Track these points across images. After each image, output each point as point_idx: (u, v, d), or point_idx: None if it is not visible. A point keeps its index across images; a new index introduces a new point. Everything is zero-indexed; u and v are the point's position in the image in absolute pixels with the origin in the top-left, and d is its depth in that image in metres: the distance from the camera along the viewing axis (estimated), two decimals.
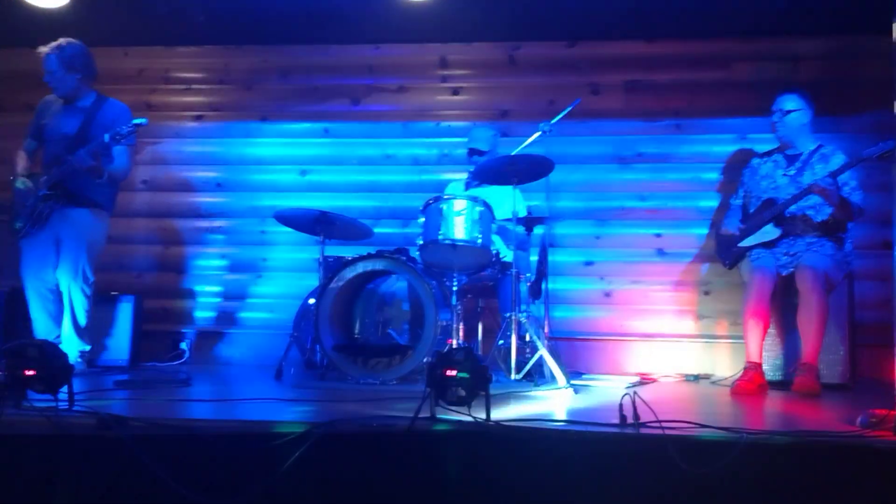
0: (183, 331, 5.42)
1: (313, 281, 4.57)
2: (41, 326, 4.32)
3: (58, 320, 4.32)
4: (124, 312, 5.01)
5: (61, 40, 4.26)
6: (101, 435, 2.34)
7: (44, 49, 4.23)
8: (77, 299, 4.26)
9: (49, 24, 5.02)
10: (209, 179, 5.57)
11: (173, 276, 5.53)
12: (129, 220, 5.53)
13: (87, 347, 4.33)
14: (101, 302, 4.99)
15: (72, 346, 4.22)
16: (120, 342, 4.96)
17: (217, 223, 5.55)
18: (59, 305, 4.32)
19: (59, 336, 4.27)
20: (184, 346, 5.34)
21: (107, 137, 3.95)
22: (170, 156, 5.61)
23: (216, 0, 4.89)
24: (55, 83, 4.28)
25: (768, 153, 4.44)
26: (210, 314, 5.50)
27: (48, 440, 2.37)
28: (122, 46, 5.61)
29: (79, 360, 4.23)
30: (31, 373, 2.55)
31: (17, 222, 4.26)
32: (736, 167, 4.85)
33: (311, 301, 4.46)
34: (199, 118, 5.64)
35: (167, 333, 5.40)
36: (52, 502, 2.34)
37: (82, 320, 4.29)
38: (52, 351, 2.63)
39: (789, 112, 4.26)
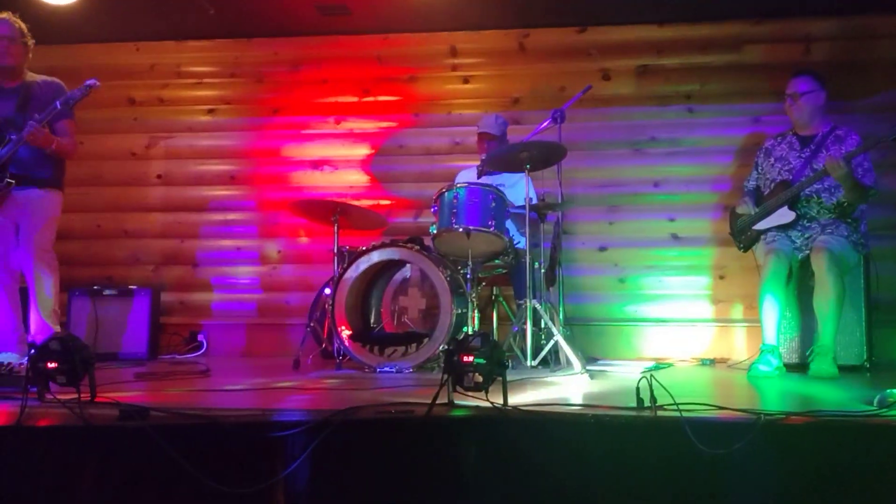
0: (200, 323, 5.46)
1: (328, 271, 4.60)
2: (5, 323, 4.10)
3: (16, 313, 4.16)
4: (141, 306, 5.07)
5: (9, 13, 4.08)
6: (123, 425, 2.37)
7: (4, 14, 4.06)
8: (40, 275, 4.04)
9: (59, 20, 5.06)
10: (222, 172, 5.60)
11: (189, 269, 5.57)
12: (144, 214, 5.59)
13: (56, 328, 4.08)
14: (118, 296, 5.07)
15: (40, 333, 3.98)
16: (137, 335, 5.02)
17: (231, 216, 5.58)
18: (16, 299, 4.17)
19: (19, 333, 4.12)
20: (201, 337, 5.38)
21: (58, 104, 3.83)
22: (183, 150, 5.64)
23: None
24: (10, 52, 4.03)
25: (782, 135, 4.41)
26: (226, 306, 5.53)
27: (71, 431, 2.40)
28: (134, 41, 5.65)
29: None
30: (53, 365, 2.58)
31: None
32: (749, 150, 4.83)
33: (327, 291, 4.48)
34: (211, 112, 5.67)
35: (184, 326, 5.45)
36: (76, 492, 2.37)
37: (48, 296, 4.05)
38: (73, 344, 2.65)
39: (803, 94, 4.22)
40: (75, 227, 5.56)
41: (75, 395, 2.54)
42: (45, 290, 4.05)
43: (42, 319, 4.03)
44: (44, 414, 2.48)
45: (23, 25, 4.07)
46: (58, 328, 4.09)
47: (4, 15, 4.04)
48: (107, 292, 5.08)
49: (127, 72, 5.66)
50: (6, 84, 4.06)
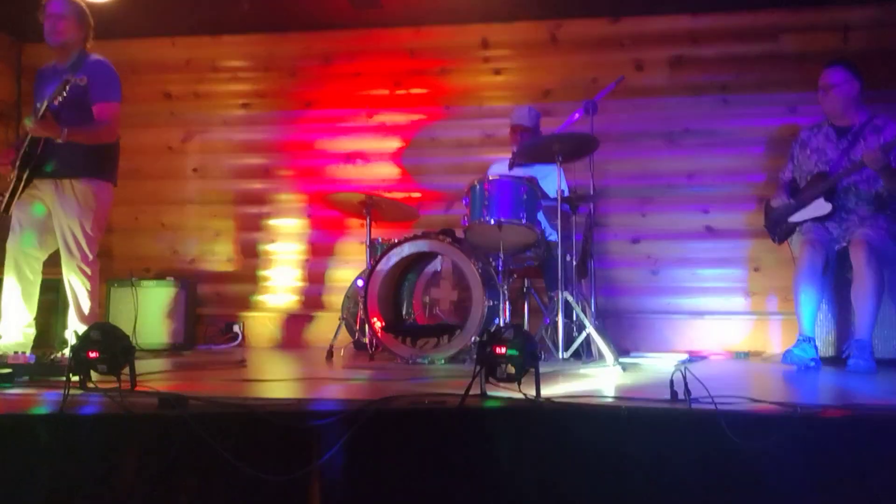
0: (235, 314, 5.53)
1: (361, 263, 4.63)
2: (11, 311, 3.89)
3: (32, 307, 3.94)
4: (178, 297, 5.17)
5: None
6: (163, 414, 2.41)
7: None
8: (76, 285, 3.87)
9: (98, 16, 5.12)
10: (257, 166, 5.67)
11: (224, 261, 5.65)
12: (181, 206, 5.68)
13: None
14: (156, 287, 5.16)
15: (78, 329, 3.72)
16: (175, 326, 5.11)
17: (265, 209, 5.65)
18: (37, 291, 3.96)
19: (30, 322, 3.93)
20: (237, 328, 5.46)
21: (67, 89, 3.62)
22: (219, 144, 5.72)
23: None
24: (58, 29, 3.91)
25: (818, 125, 4.34)
26: (261, 297, 5.61)
27: (112, 419, 2.45)
28: (170, 37, 5.73)
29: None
30: (94, 355, 2.64)
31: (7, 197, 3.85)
32: (785, 141, 4.76)
33: (360, 283, 4.51)
34: (245, 106, 5.73)
35: (220, 317, 5.53)
36: (116, 478, 2.42)
37: (84, 306, 3.88)
38: (114, 334, 2.71)
39: (835, 85, 4.15)
40: (115, 219, 5.63)
41: (116, 384, 2.60)
42: (81, 301, 3.87)
43: (82, 326, 3.73)
44: (85, 402, 2.53)
45: (79, 4, 3.97)
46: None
47: None
48: (145, 283, 5.17)
49: (163, 67, 5.74)
50: (61, 65, 3.93)
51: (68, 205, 3.84)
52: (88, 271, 3.90)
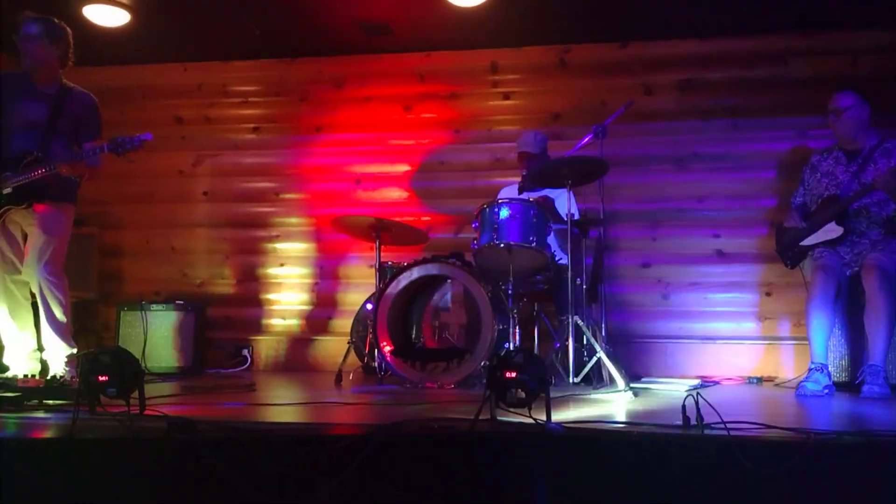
0: (244, 338, 5.53)
1: (370, 287, 4.63)
2: (12, 340, 3.91)
3: (32, 333, 3.95)
4: (187, 320, 5.17)
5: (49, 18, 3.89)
6: (172, 438, 2.41)
7: (29, 14, 3.86)
8: (52, 297, 3.80)
9: (111, 42, 5.23)
10: (267, 189, 5.69)
11: (234, 284, 5.66)
12: (190, 230, 5.71)
13: (73, 350, 3.85)
14: (165, 310, 5.16)
15: (55, 351, 3.84)
16: (184, 349, 5.11)
17: (275, 232, 5.66)
18: (31, 315, 3.96)
19: (35, 349, 3.93)
20: (245, 353, 5.45)
21: (106, 147, 3.65)
22: (229, 167, 5.75)
23: (272, 14, 5.00)
24: (30, 49, 3.81)
25: (828, 150, 4.34)
26: (270, 321, 5.61)
27: (121, 443, 2.44)
28: (182, 62, 5.78)
29: (66, 368, 3.78)
30: (104, 378, 2.64)
31: None
32: (795, 165, 4.76)
33: (369, 307, 4.52)
34: (256, 130, 5.77)
35: (229, 340, 5.53)
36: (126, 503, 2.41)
37: (61, 317, 3.82)
38: (124, 357, 2.71)
39: (846, 109, 4.16)
40: (126, 242, 5.71)
41: (125, 408, 2.59)
42: (57, 314, 3.82)
43: (57, 339, 3.83)
44: (94, 426, 2.52)
45: (58, 28, 3.87)
46: (74, 348, 3.87)
47: (32, 15, 3.85)
48: (154, 307, 5.18)
49: (175, 91, 5.80)
50: (42, 87, 3.86)
51: (47, 225, 3.79)
52: (61, 285, 3.84)
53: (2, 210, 3.77)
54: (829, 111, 4.25)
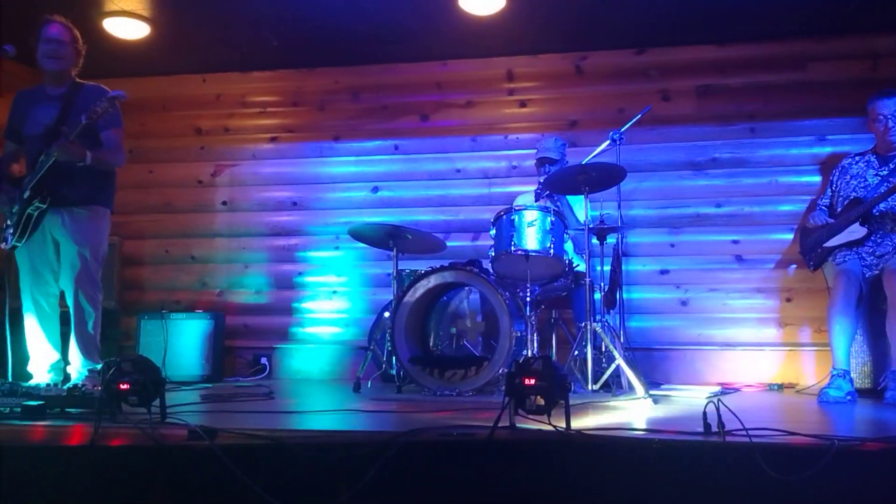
0: (263, 346, 5.56)
1: (387, 295, 4.64)
2: (37, 351, 3.93)
3: (56, 344, 3.95)
4: (207, 329, 5.19)
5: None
6: (192, 445, 2.42)
7: (58, 17, 3.92)
8: (83, 310, 3.83)
9: (131, 53, 5.28)
10: (285, 199, 5.73)
11: (253, 293, 5.69)
12: (210, 239, 5.75)
13: (98, 366, 3.71)
14: (185, 319, 5.20)
15: (79, 364, 3.86)
16: (204, 358, 5.14)
17: (294, 241, 5.69)
18: (58, 325, 3.97)
19: (58, 360, 3.95)
20: (264, 361, 5.48)
21: (83, 118, 3.65)
22: (247, 177, 5.79)
23: (290, 25, 5.04)
24: (60, 54, 3.89)
25: (861, 154, 4.31)
26: (289, 330, 5.63)
27: (143, 451, 2.46)
28: (200, 73, 5.84)
29: (86, 382, 3.71)
30: (125, 387, 2.67)
31: (6, 233, 3.85)
32: (814, 169, 4.73)
33: (386, 314, 4.52)
34: (274, 140, 5.81)
35: (248, 349, 5.56)
36: None
37: (90, 330, 3.86)
38: (145, 365, 2.73)
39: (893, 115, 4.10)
40: (146, 252, 5.76)
41: (146, 416, 2.61)
42: (88, 327, 3.86)
43: (83, 353, 3.86)
44: (116, 434, 2.55)
45: (75, 31, 3.95)
46: (99, 364, 3.76)
47: (58, 18, 3.93)
48: (175, 316, 5.22)
49: (194, 102, 5.86)
50: (53, 90, 3.93)
51: (77, 232, 3.84)
52: (96, 297, 3.90)
53: (29, 216, 3.76)
54: (877, 115, 4.14)
